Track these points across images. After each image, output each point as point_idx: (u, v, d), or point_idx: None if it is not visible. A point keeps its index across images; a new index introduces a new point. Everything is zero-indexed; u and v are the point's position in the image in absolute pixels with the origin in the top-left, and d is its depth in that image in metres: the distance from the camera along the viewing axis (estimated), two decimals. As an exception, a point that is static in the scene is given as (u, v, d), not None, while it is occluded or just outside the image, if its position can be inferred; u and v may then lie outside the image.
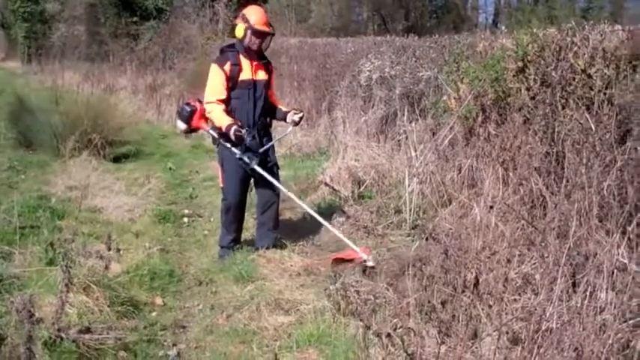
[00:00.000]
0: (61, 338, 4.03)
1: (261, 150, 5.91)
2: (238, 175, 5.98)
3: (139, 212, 7.79)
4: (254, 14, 5.87)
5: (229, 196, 6.06)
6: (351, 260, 5.51)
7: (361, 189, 7.80)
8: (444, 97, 7.79)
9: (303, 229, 6.78)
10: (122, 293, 5.00)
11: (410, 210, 6.68)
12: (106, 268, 4.95)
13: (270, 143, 6.10)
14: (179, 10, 26.95)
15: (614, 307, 3.34)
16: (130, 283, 5.40)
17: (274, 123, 6.37)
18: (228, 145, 5.87)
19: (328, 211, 7.22)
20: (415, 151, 7.20)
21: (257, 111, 5.96)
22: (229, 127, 5.65)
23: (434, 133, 7.73)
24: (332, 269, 5.45)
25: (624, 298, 3.31)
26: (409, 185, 6.84)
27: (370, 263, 5.38)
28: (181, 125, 6.18)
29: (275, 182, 5.98)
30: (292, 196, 6.19)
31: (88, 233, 6.57)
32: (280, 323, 4.74)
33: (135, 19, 27.56)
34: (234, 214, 6.11)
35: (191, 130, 6.24)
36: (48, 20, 31.63)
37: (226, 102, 5.88)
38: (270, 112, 6.18)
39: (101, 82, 19.43)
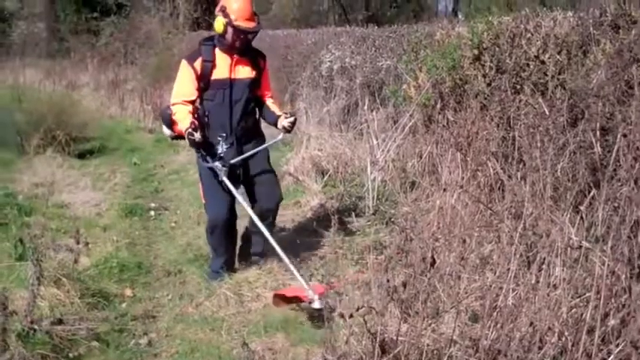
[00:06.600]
0: (34, 330, 4.12)
1: (233, 160, 5.10)
2: (219, 189, 5.15)
3: (105, 207, 7.86)
4: (235, 5, 4.90)
5: (212, 213, 5.25)
6: (295, 298, 4.65)
7: (325, 178, 7.91)
8: (404, 86, 7.92)
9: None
10: (92, 285, 5.10)
11: (372, 197, 6.80)
12: (76, 261, 5.05)
13: (249, 153, 5.27)
14: (139, 4, 26.75)
15: (567, 283, 3.47)
16: (99, 275, 5.49)
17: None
18: (202, 153, 5.11)
19: (292, 202, 7.36)
20: (377, 139, 7.33)
21: (235, 115, 5.14)
22: (185, 130, 4.86)
23: (395, 122, 7.87)
24: (274, 304, 4.73)
25: (576, 274, 3.45)
26: (371, 173, 6.97)
27: (317, 305, 4.44)
28: (166, 131, 5.46)
29: (240, 199, 5.17)
30: (254, 216, 5.12)
31: (56, 228, 6.65)
32: (248, 310, 4.86)
33: (95, 14, 27.30)
34: (221, 234, 5.29)
35: (177, 136, 5.35)
36: (7, 18, 31.18)
37: (200, 103, 5.13)
38: (260, 113, 5.46)
39: (63, 79, 19.25)
